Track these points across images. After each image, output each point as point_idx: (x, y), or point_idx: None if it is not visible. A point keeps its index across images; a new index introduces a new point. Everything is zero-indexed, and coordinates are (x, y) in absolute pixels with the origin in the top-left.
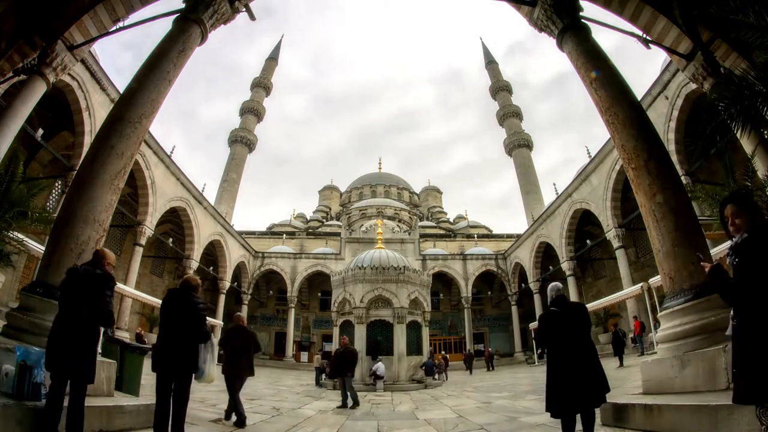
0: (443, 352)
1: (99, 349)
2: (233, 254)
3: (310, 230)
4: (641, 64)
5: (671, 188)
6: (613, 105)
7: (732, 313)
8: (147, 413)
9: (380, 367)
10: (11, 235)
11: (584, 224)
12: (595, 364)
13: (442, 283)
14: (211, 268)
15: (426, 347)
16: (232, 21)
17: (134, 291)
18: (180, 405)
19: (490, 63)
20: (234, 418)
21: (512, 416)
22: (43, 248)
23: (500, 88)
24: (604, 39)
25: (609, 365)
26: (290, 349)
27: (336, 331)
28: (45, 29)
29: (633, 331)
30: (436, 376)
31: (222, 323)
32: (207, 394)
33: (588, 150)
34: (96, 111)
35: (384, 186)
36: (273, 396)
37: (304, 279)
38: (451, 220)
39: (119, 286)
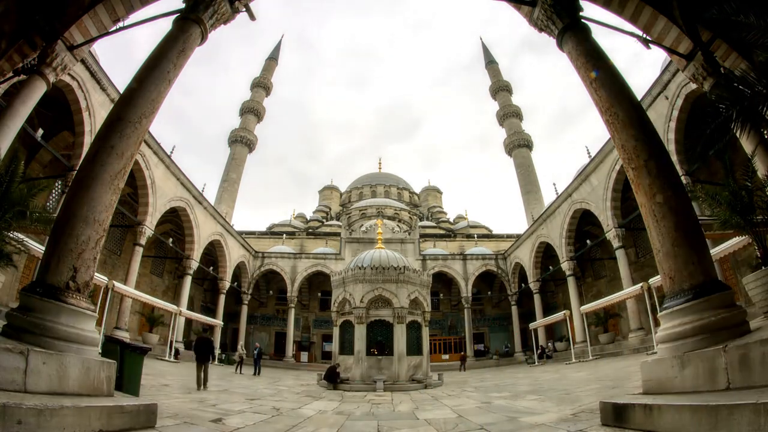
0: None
1: (99, 349)
2: (233, 254)
3: (310, 230)
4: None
5: (671, 188)
6: (613, 105)
7: None
8: (147, 413)
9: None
10: (11, 235)
11: (584, 224)
12: None
13: (442, 283)
14: (211, 268)
15: (426, 347)
16: (232, 21)
17: (134, 291)
18: None
19: (491, 63)
20: None
21: (512, 416)
22: (43, 248)
23: (500, 88)
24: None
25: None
26: (290, 349)
27: (336, 331)
28: (45, 29)
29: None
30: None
31: (222, 323)
32: (207, 395)
33: (588, 150)
34: (96, 111)
35: (384, 186)
36: (273, 396)
37: (304, 279)
38: (451, 220)
39: (119, 285)
